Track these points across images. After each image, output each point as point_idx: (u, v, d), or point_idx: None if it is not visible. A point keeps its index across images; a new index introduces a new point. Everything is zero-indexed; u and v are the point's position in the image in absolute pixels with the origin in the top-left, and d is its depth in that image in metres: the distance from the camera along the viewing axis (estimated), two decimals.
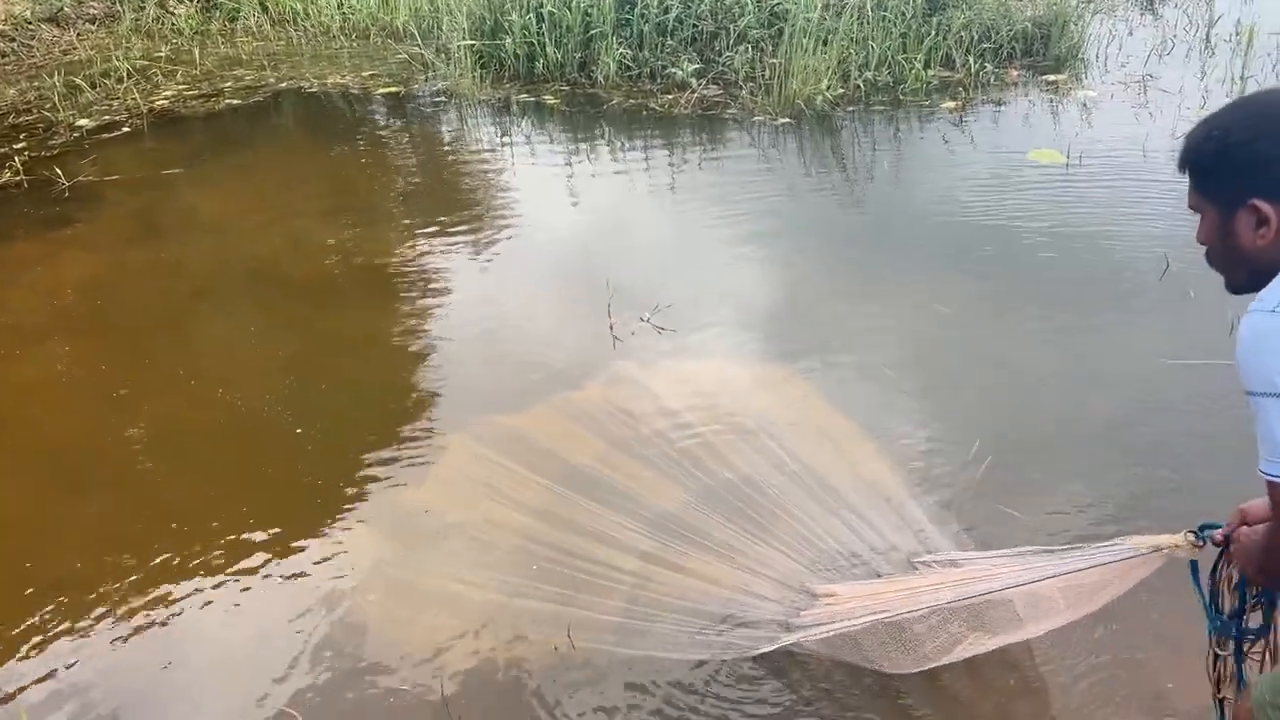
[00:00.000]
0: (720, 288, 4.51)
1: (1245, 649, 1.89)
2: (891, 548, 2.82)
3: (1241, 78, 6.60)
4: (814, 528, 2.87)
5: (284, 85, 7.86)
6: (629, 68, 7.34)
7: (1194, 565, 1.89)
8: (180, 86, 7.83)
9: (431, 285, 4.69)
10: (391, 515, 3.19)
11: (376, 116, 7.29)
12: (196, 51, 8.56)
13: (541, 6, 7.35)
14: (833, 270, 4.66)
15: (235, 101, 7.50)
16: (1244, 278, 1.46)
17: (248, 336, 4.37)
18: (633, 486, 3.14)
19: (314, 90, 7.74)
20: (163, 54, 8.59)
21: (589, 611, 2.69)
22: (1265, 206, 1.42)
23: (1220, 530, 1.82)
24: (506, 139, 6.70)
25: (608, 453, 3.31)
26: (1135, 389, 3.41)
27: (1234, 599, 1.88)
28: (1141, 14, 8.36)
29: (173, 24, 9.25)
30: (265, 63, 8.34)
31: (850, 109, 6.67)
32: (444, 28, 8.06)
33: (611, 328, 4.11)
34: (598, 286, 4.37)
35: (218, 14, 9.40)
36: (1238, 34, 7.26)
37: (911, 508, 2.97)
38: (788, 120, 6.52)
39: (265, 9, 9.26)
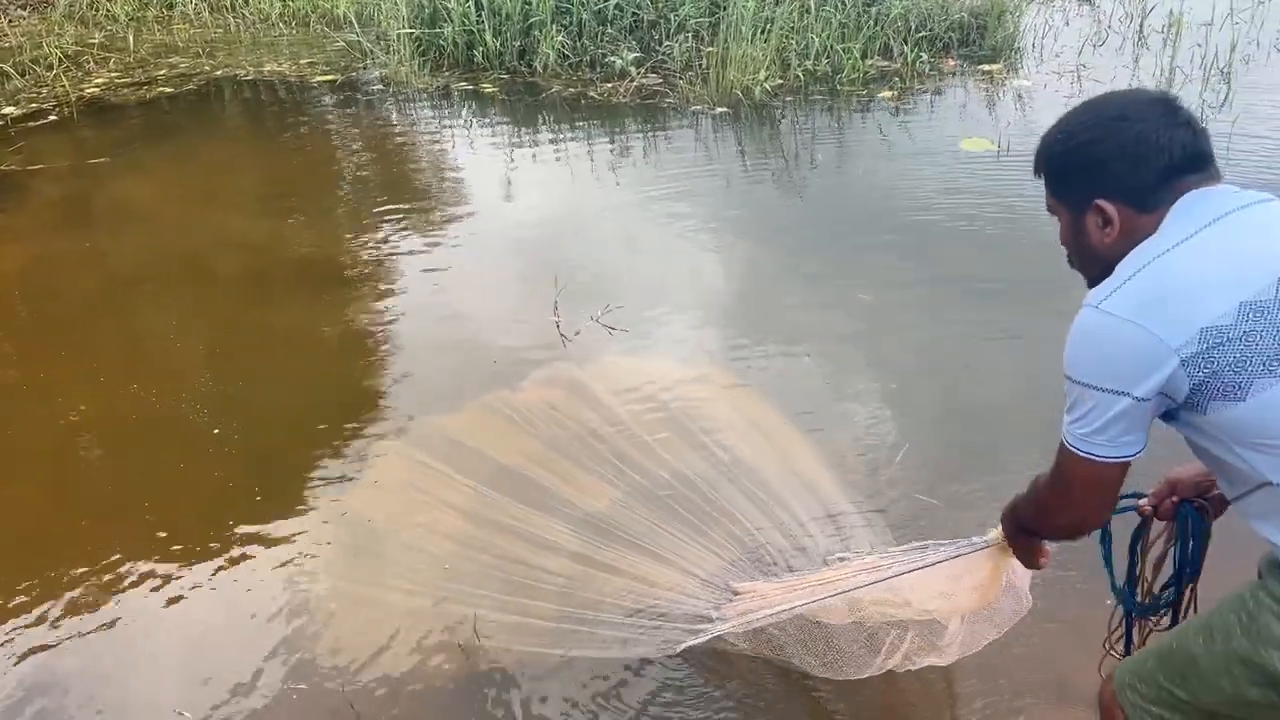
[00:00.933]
0: (661, 281, 4.49)
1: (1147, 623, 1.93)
2: (814, 543, 2.80)
3: (1171, 68, 6.72)
4: (745, 525, 2.84)
5: (220, 73, 7.74)
6: (568, 56, 7.31)
7: (1105, 534, 1.87)
8: (113, 74, 7.69)
9: (371, 279, 4.60)
10: (318, 519, 3.11)
11: (315, 105, 7.21)
12: (131, 38, 8.40)
13: None
14: (770, 263, 4.65)
15: (169, 90, 7.38)
16: (1098, 275, 1.49)
17: (176, 330, 4.27)
18: (564, 488, 3.10)
19: (251, 78, 7.63)
20: (96, 41, 8.43)
21: (516, 615, 2.63)
22: (1108, 206, 1.46)
23: (1146, 500, 1.83)
24: (446, 128, 6.65)
25: (542, 454, 3.25)
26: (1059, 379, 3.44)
27: (1152, 572, 1.89)
28: (1079, 4, 8.47)
29: (108, 10, 9.08)
30: (201, 50, 8.20)
31: (788, 99, 6.69)
32: (383, 15, 7.97)
33: (558, 325, 4.08)
34: (539, 280, 4.35)
35: (154, 0, 9.23)
36: (1169, 25, 7.37)
37: (836, 500, 2.97)
38: (725, 110, 6.53)
39: None
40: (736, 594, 2.49)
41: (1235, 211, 1.38)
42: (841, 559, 2.53)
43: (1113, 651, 1.99)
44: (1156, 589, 1.92)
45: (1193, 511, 1.78)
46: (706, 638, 2.36)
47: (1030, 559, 1.84)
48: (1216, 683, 1.43)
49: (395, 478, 3.25)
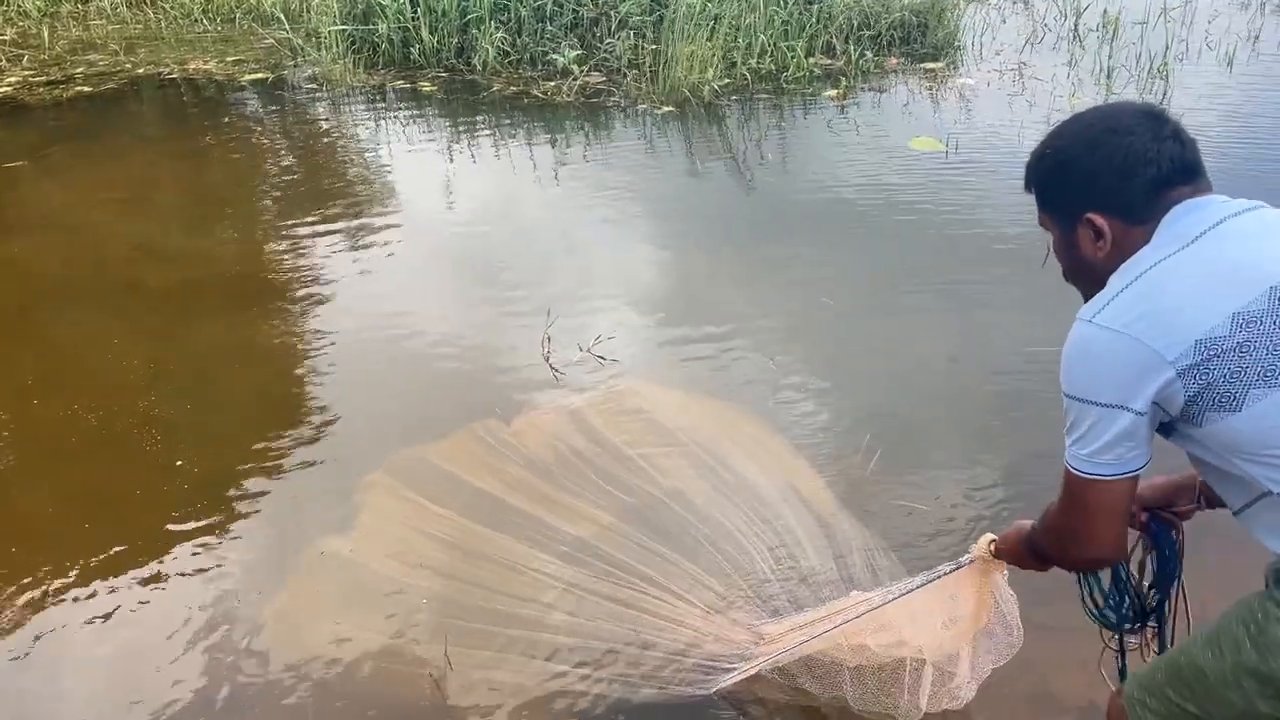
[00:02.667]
0: (611, 285, 4.39)
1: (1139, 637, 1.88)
2: (812, 564, 2.70)
3: (1109, 66, 6.80)
4: (745, 547, 2.72)
5: (142, 71, 7.43)
6: (509, 53, 7.15)
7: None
8: (27, 72, 7.33)
9: (307, 293, 4.36)
10: (267, 549, 2.96)
11: (244, 105, 6.93)
12: (45, 34, 8.01)
13: None
14: (723, 265, 4.58)
15: (88, 89, 7.05)
16: (1092, 289, 1.47)
17: (101, 346, 4.01)
18: (550, 516, 2.95)
19: (175, 77, 7.34)
20: (7, 37, 8.02)
21: (489, 650, 2.52)
22: (1099, 220, 1.46)
23: None
24: (382, 128, 6.43)
25: (523, 481, 3.11)
26: (1017, 375, 3.42)
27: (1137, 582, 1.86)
28: (1014, 2, 8.55)
29: (19, 5, 8.65)
30: (121, 47, 7.86)
31: (734, 97, 6.62)
32: (313, 11, 7.71)
33: (547, 357, 3.93)
34: (491, 288, 4.25)
35: None
36: (1104, 24, 7.47)
37: (825, 514, 2.87)
38: (672, 109, 6.43)
39: None
40: (761, 639, 2.36)
41: (1225, 220, 1.38)
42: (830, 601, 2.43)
43: (1109, 680, 1.94)
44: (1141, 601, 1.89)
45: (1159, 524, 1.79)
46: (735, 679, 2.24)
47: (1036, 568, 1.81)
48: (1226, 695, 1.41)
49: (374, 504, 3.06)
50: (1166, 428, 1.42)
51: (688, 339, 3.89)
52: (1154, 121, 1.45)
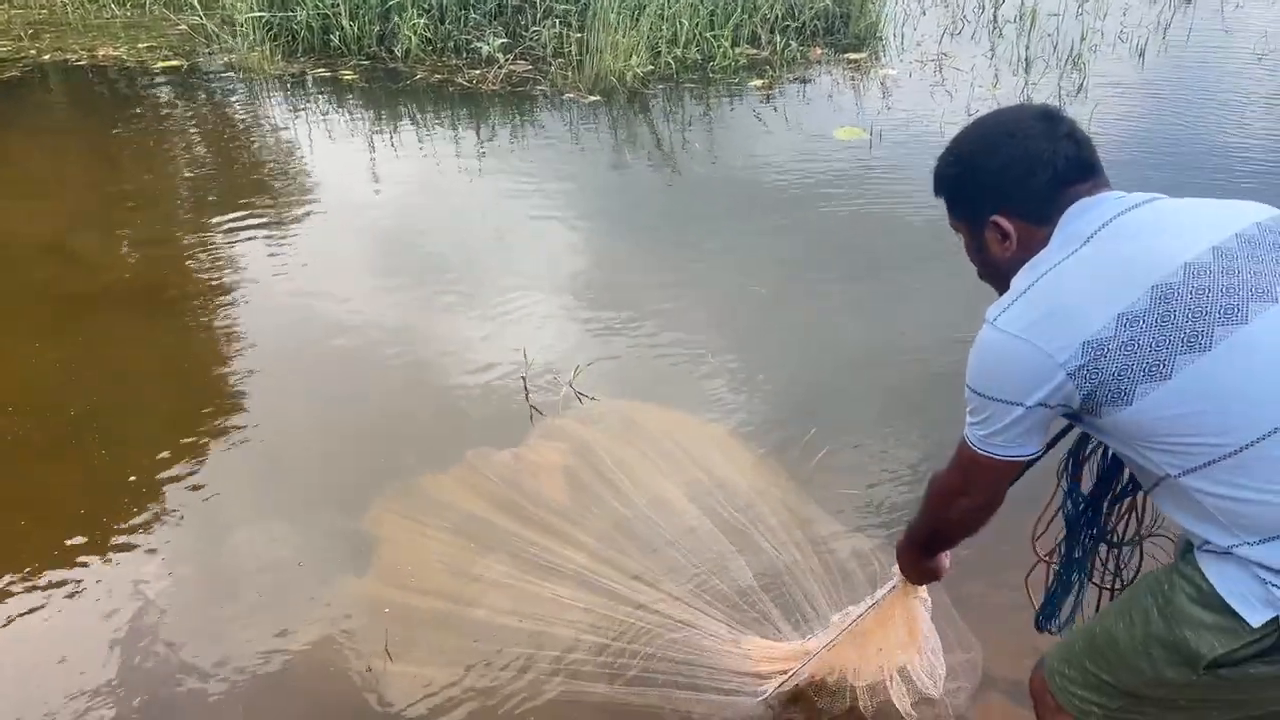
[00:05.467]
0: (534, 278, 4.34)
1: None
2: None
3: (1026, 57, 6.94)
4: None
5: (48, 58, 7.13)
6: (432, 41, 7.03)
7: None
8: None
9: (225, 296, 4.17)
10: (191, 550, 2.87)
11: (156, 94, 6.69)
12: None
13: None
14: (652, 255, 4.57)
15: None
16: (1005, 287, 1.52)
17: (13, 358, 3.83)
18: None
19: (83, 64, 7.06)
20: None
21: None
22: (1004, 222, 1.51)
23: None
24: (302, 118, 6.27)
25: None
26: (941, 360, 3.49)
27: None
28: None
29: None
30: (23, 32, 7.53)
31: (660, 86, 6.61)
32: None
33: (525, 387, 3.86)
34: (417, 282, 4.19)
35: None
36: (1022, 15, 7.62)
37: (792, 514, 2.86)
38: (598, 98, 6.39)
39: None
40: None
41: (1116, 218, 1.43)
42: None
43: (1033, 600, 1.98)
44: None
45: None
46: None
47: (932, 575, 1.90)
48: (1137, 664, 1.47)
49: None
50: (1073, 416, 1.49)
51: (613, 330, 3.87)
52: (1049, 123, 1.51)
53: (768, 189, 5.11)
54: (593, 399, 3.39)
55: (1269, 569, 1.32)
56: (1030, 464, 1.57)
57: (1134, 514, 1.84)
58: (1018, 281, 1.47)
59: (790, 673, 2.12)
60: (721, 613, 2.47)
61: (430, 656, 2.44)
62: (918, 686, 2.10)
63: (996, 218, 1.52)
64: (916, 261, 4.24)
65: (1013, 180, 1.49)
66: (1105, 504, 1.83)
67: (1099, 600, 1.90)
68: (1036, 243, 1.48)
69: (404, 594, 2.62)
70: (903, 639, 2.01)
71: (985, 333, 1.47)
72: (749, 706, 2.20)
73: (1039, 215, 1.49)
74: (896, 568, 1.93)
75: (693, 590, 2.57)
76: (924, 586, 1.96)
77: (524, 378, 3.49)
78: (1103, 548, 1.87)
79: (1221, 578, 1.37)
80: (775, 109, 6.30)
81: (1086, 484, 1.83)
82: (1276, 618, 1.31)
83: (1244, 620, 1.33)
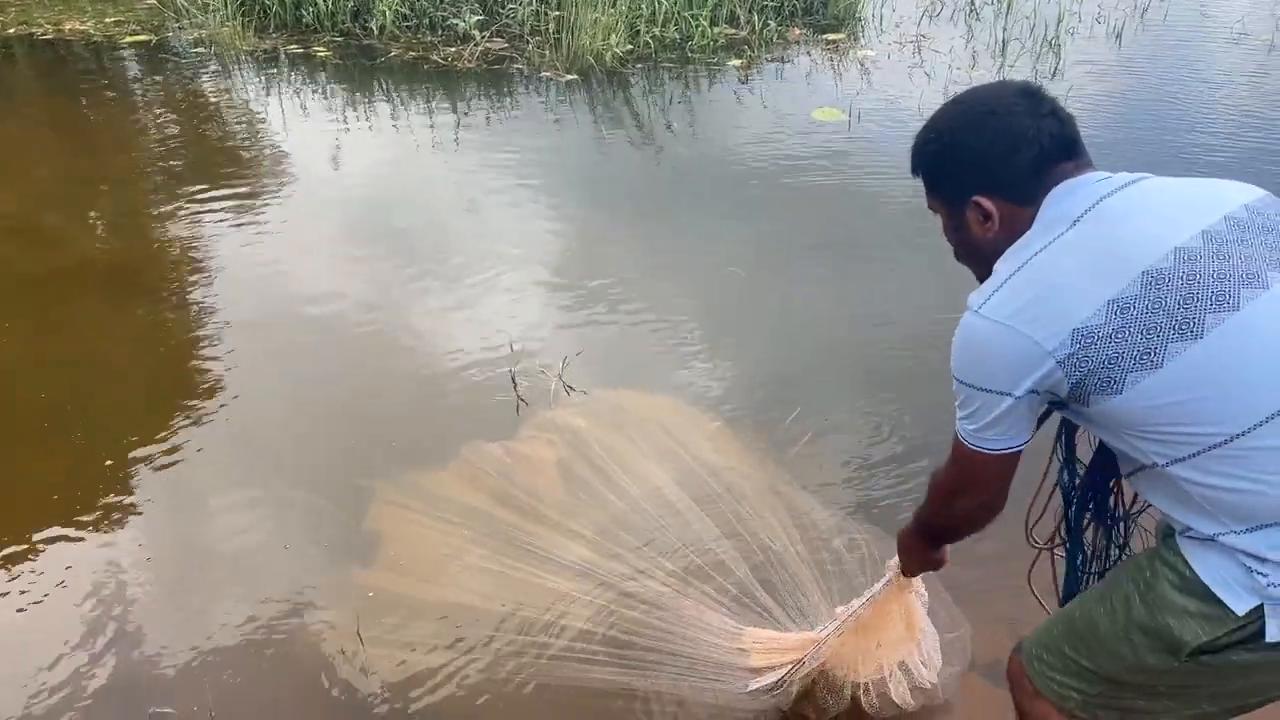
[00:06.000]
0: (521, 258, 4.30)
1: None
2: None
3: (1004, 39, 6.94)
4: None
5: (13, 31, 6.99)
6: (407, 17, 6.94)
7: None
8: None
9: (198, 278, 4.10)
10: (163, 532, 2.83)
11: (124, 69, 6.58)
12: None
13: None
14: (627, 238, 4.54)
15: None
16: (985, 270, 1.48)
17: None
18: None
19: (49, 38, 6.92)
20: None
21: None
22: (986, 202, 1.47)
23: None
24: (274, 96, 6.17)
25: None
26: (921, 339, 3.49)
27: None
28: None
29: None
30: None
31: (639, 66, 6.56)
32: None
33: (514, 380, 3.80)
34: (399, 270, 4.10)
35: None
36: None
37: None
38: (575, 77, 6.33)
39: None
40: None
41: (1102, 200, 1.39)
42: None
43: (1041, 601, 1.98)
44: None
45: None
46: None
47: (932, 566, 1.87)
48: (1118, 650, 1.46)
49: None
50: (1058, 405, 1.46)
51: (596, 316, 3.85)
52: (1032, 100, 1.46)
53: (746, 170, 5.09)
54: (583, 393, 3.34)
55: (1254, 557, 1.31)
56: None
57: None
58: (1001, 267, 1.43)
59: (788, 668, 2.09)
60: (717, 602, 2.44)
61: (409, 639, 2.42)
62: (915, 677, 2.08)
63: (978, 197, 1.47)
64: (896, 242, 4.25)
65: (995, 159, 1.45)
66: (1101, 473, 1.76)
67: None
68: (1019, 223, 1.44)
69: (387, 578, 2.59)
70: (901, 633, 1.99)
71: (969, 321, 1.42)
72: (740, 698, 2.18)
73: (1022, 195, 1.44)
74: (893, 561, 1.91)
75: (684, 577, 2.54)
76: (919, 579, 1.94)
77: (512, 373, 3.44)
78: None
79: (1205, 565, 1.36)
80: (753, 89, 6.27)
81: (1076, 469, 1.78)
82: (1261, 605, 1.30)
83: (1228, 608, 1.32)
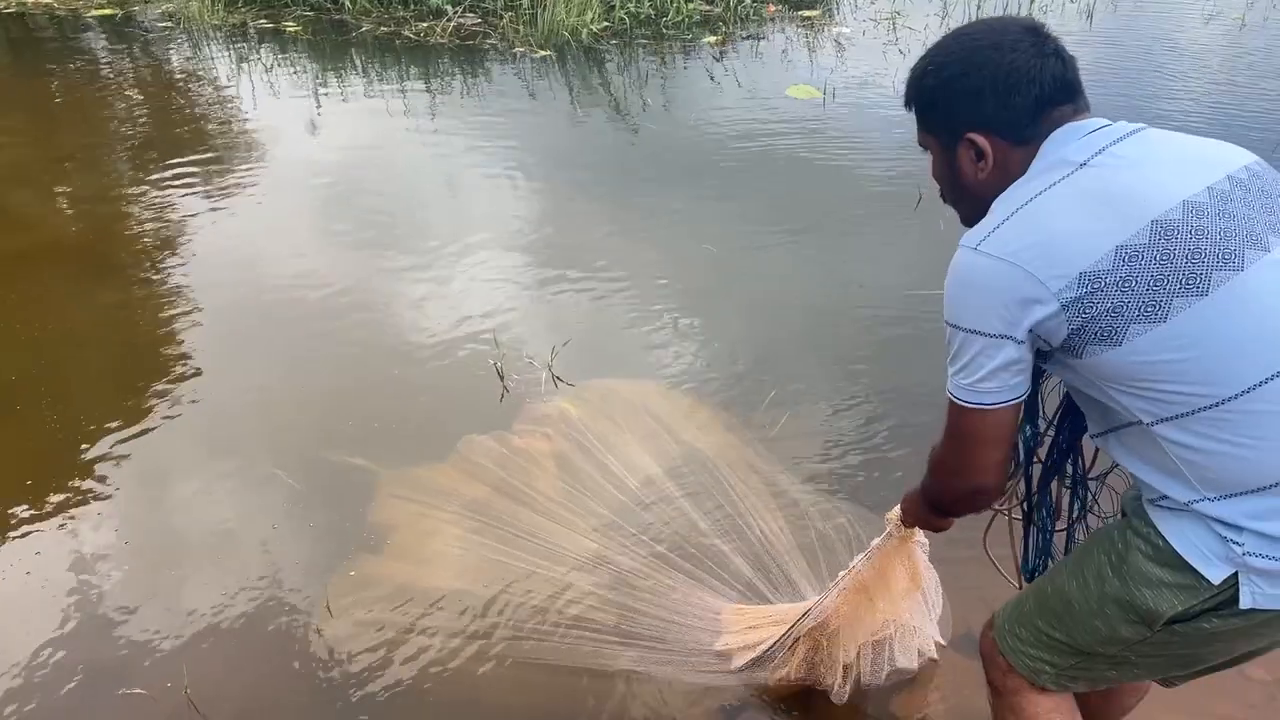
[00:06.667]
0: (495, 238, 4.28)
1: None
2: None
3: (978, 16, 6.93)
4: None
5: None
6: None
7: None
8: None
9: (170, 259, 4.06)
10: (133, 511, 2.81)
11: (90, 44, 6.47)
12: None
13: None
14: (609, 215, 4.52)
15: None
16: (973, 212, 1.43)
17: None
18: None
19: (12, 10, 6.79)
20: None
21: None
22: (981, 140, 1.41)
23: None
24: (244, 71, 6.09)
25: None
26: (896, 313, 3.49)
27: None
28: None
29: None
30: None
31: (614, 42, 6.52)
32: None
33: (499, 372, 3.78)
34: (375, 248, 4.07)
35: None
36: None
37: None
38: (550, 53, 6.29)
39: None
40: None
41: (1109, 147, 1.35)
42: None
43: (1009, 578, 1.94)
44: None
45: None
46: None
47: (938, 527, 1.79)
48: (1091, 623, 1.45)
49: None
50: (1044, 355, 1.41)
51: (571, 293, 3.84)
52: (1036, 38, 1.41)
53: (721, 147, 5.07)
54: (569, 383, 3.33)
55: (1229, 525, 1.30)
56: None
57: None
58: (999, 207, 1.36)
59: (787, 632, 2.04)
60: (718, 591, 2.43)
61: (388, 620, 2.41)
62: (919, 638, 2.07)
63: (973, 135, 1.41)
64: (867, 220, 4.25)
65: (995, 96, 1.38)
66: (1070, 434, 1.72)
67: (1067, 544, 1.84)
68: (1013, 165, 1.39)
69: (367, 558, 2.58)
70: (904, 585, 1.94)
71: (967, 258, 1.35)
72: (738, 672, 2.16)
73: (1019, 135, 1.39)
74: (893, 513, 1.84)
75: (684, 562, 2.53)
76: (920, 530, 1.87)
77: (499, 365, 3.44)
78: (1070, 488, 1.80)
79: (1179, 535, 1.35)
80: (728, 66, 6.25)
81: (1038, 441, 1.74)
82: (1235, 573, 1.30)
83: (1203, 577, 1.32)
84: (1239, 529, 1.30)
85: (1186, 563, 1.33)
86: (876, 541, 1.92)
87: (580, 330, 3.58)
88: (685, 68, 6.28)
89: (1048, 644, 1.53)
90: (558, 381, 3.23)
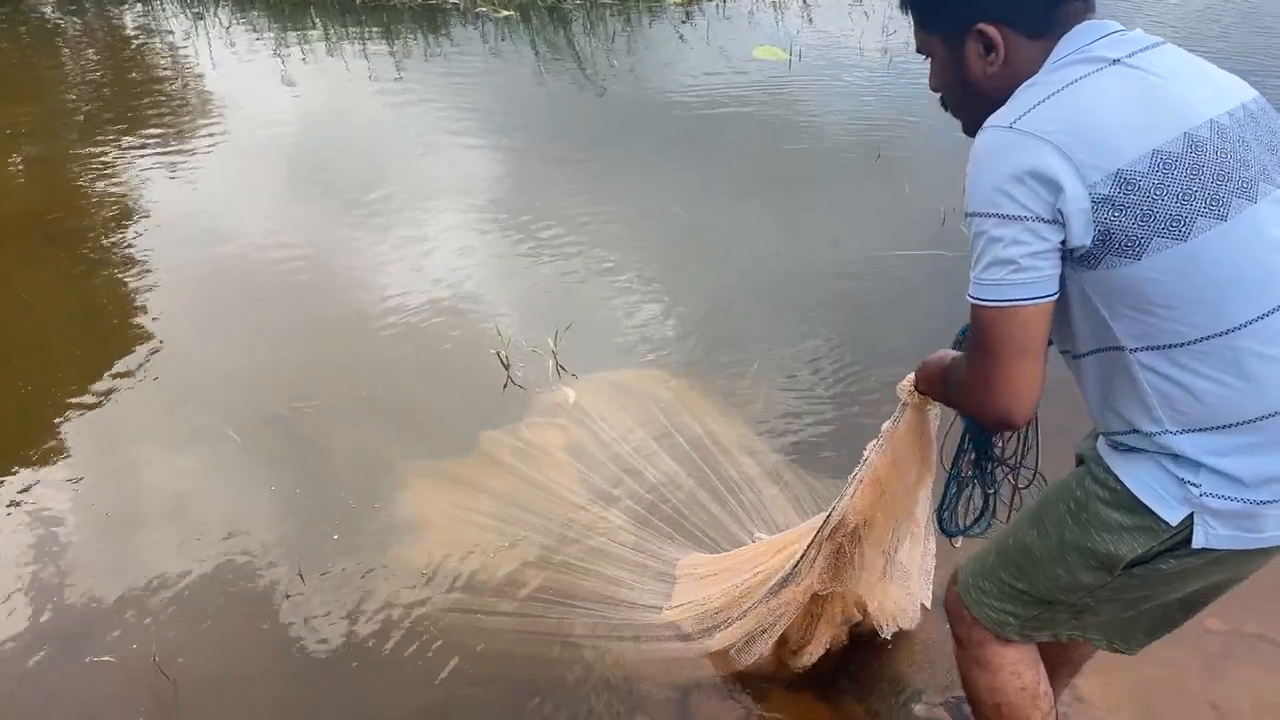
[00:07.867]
0: (461, 206, 4.24)
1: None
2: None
3: None
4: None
5: None
6: None
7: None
8: None
9: (129, 229, 3.98)
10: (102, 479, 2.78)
11: (41, 5, 6.29)
12: None
13: None
14: (573, 183, 4.47)
15: None
16: (977, 116, 1.33)
17: None
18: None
19: None
20: None
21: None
22: (991, 30, 1.32)
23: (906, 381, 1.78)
24: (200, 31, 5.96)
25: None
26: (868, 277, 3.48)
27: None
28: None
29: None
30: None
31: (578, 1, 6.44)
32: None
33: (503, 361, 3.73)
34: (334, 215, 4.02)
35: None
36: None
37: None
38: (513, 13, 6.20)
39: None
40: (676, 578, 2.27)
41: (1139, 53, 1.29)
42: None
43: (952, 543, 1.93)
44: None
45: None
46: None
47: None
48: (1053, 571, 1.47)
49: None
50: None
51: (548, 269, 3.82)
52: None
53: (687, 108, 5.05)
54: (565, 368, 3.33)
55: (1187, 463, 1.30)
56: None
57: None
58: (1028, 93, 1.27)
59: (812, 541, 1.96)
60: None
61: (360, 585, 2.40)
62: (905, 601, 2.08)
63: (984, 25, 1.31)
64: (832, 181, 4.23)
65: None
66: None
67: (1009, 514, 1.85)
68: (1026, 61, 1.31)
69: (337, 522, 2.58)
70: (918, 472, 1.85)
71: (997, 135, 1.25)
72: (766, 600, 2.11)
73: (1034, 28, 1.30)
74: (908, 380, 1.75)
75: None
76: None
77: (503, 355, 3.41)
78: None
79: (1135, 479, 1.35)
80: (695, 26, 6.21)
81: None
82: (1191, 514, 1.31)
83: (1161, 519, 1.33)
84: (1196, 467, 1.30)
85: (1144, 505, 1.35)
86: (888, 424, 1.84)
87: (560, 309, 3.54)
88: (651, 29, 6.23)
89: (1011, 595, 1.55)
90: (562, 372, 3.15)
